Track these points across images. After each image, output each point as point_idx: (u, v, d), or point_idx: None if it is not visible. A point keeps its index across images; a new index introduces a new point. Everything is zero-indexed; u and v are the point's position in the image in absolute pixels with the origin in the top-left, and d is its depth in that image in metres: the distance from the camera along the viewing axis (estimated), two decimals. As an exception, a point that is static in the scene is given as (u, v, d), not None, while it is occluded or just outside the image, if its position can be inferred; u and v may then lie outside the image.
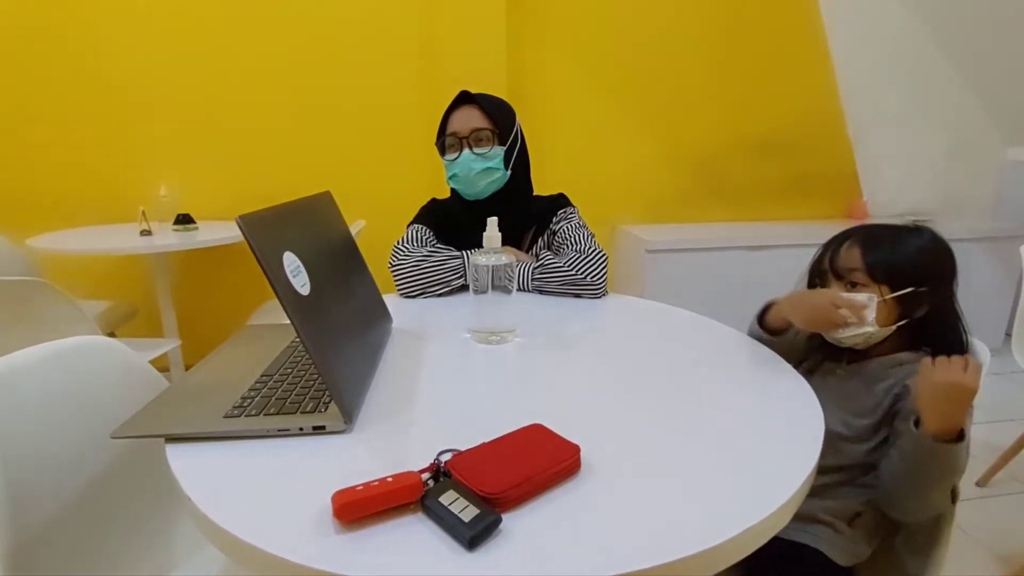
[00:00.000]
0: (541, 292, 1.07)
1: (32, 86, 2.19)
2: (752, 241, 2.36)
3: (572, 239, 1.10)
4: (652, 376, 0.72)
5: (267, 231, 0.55)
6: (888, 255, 0.80)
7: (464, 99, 1.09)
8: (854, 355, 0.88)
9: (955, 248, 0.83)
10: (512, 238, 1.13)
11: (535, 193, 1.22)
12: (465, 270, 1.07)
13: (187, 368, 2.15)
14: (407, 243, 1.12)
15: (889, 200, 2.54)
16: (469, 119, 1.07)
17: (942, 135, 2.45)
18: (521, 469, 0.47)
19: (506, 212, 0.97)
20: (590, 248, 1.08)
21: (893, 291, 0.79)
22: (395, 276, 1.09)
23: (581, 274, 1.04)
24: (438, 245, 1.14)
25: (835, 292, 0.81)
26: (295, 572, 0.39)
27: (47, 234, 1.96)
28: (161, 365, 1.55)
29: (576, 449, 0.50)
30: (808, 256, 0.90)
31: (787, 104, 2.61)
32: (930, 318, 0.81)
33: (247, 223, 0.50)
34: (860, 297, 0.78)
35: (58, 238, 1.89)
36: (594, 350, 0.82)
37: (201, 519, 0.44)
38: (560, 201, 1.21)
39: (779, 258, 2.35)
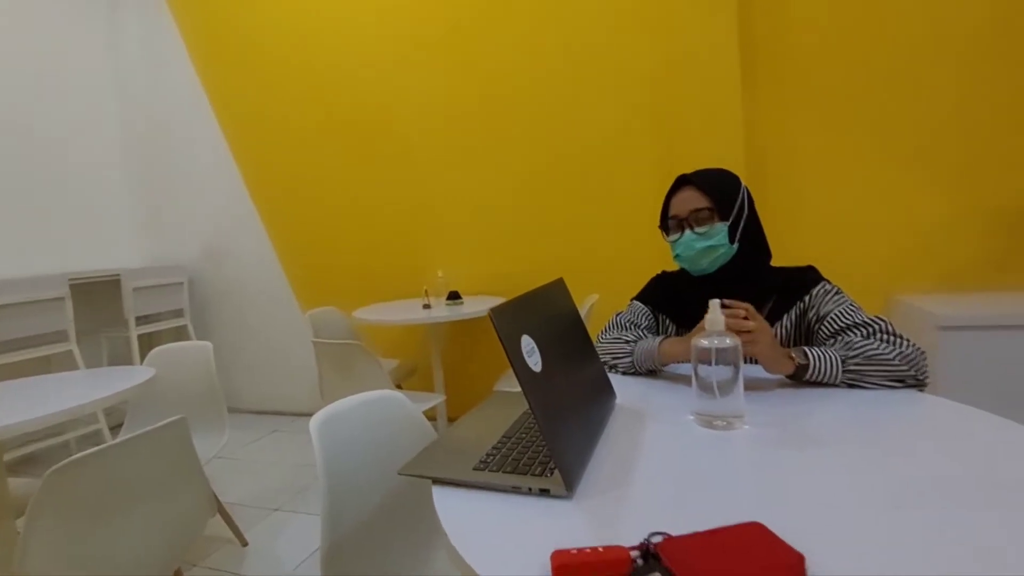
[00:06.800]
0: (851, 385, 0.93)
1: (367, 199, 3.02)
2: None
3: (867, 325, 0.97)
4: (910, 489, 0.60)
5: (510, 319, 0.67)
6: None
7: (681, 182, 1.13)
8: None
9: None
10: None
11: (776, 264, 1.15)
12: (635, 362, 1.09)
13: (449, 419, 2.56)
14: (608, 328, 1.21)
15: None
16: (687, 201, 1.10)
17: None
18: (733, 569, 0.46)
19: (738, 285, 0.95)
20: (904, 338, 0.94)
21: None
22: None
23: (908, 367, 0.91)
24: (642, 327, 1.19)
25: None
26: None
27: (363, 307, 2.61)
28: (429, 415, 1.89)
29: (800, 559, 0.47)
30: None
31: None
32: None
33: (497, 314, 0.62)
34: None
35: (369, 311, 2.51)
36: (839, 449, 0.72)
37: (451, 551, 0.55)
38: (811, 275, 1.11)
39: None
